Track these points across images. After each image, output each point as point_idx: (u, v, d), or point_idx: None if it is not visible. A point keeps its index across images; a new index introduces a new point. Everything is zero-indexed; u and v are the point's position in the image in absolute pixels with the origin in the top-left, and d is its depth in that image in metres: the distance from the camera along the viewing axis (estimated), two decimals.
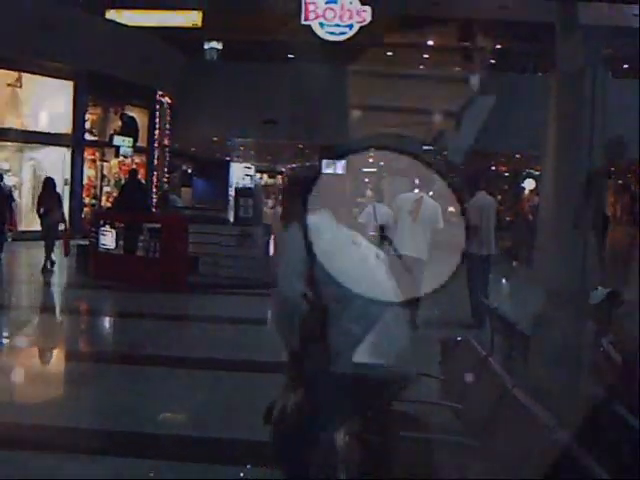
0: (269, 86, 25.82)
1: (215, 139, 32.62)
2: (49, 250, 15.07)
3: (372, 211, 12.75)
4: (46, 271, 14.88)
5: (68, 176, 22.97)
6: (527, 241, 18.83)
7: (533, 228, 17.57)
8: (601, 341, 4.97)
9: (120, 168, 25.70)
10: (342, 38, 24.40)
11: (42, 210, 15.49)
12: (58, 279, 15.00)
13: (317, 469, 3.59)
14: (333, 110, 23.32)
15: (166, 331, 10.37)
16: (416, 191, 10.70)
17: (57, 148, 23.07)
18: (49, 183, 16.00)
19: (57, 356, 9.16)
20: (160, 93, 27.52)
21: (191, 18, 27.30)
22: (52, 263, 15.09)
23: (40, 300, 13.17)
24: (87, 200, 24.33)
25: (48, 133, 22.55)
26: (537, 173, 27.28)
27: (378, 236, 10.81)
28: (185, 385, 7.39)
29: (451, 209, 12.54)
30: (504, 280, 15.63)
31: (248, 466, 5.25)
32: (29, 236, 19.04)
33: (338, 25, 23.93)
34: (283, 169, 43.14)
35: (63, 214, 16.23)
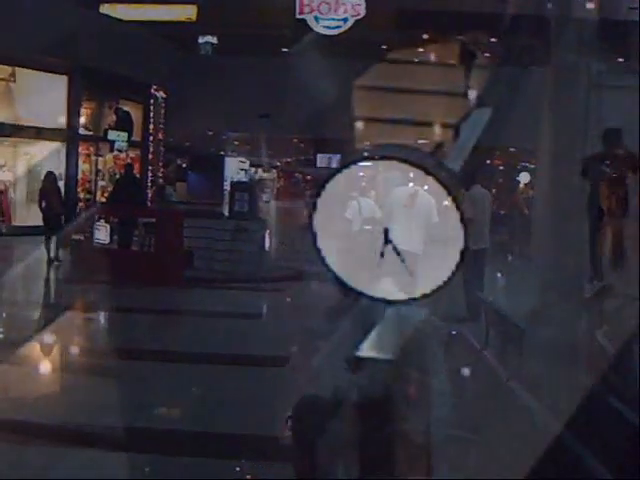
0: (264, 80, 25.78)
1: (210, 133, 32.56)
2: (49, 244, 15.08)
3: (357, 206, 12.79)
4: (51, 263, 14.89)
5: (63, 171, 22.95)
6: (522, 235, 18.84)
7: (528, 222, 17.55)
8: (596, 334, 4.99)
9: (115, 162, 25.66)
10: (337, 32, 24.36)
11: (44, 204, 15.54)
12: (51, 274, 14.98)
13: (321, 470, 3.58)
14: (328, 104, 23.32)
15: (161, 326, 10.37)
16: (411, 185, 10.70)
17: (51, 143, 23.02)
18: (50, 177, 16.07)
19: (52, 352, 9.14)
20: (155, 87, 27.46)
21: (185, 12, 27.26)
22: (50, 260, 15.07)
23: (33, 295, 13.16)
24: (82, 195, 24.29)
25: (42, 128, 22.51)
26: (532, 167, 27.27)
27: (376, 231, 10.82)
28: (183, 379, 7.39)
29: (446, 203, 12.55)
30: (499, 274, 15.64)
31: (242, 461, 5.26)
32: (24, 231, 19.03)
33: (333, 19, 23.90)
34: (278, 163, 43.12)
35: (64, 208, 16.29)
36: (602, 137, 9.48)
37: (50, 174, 16.27)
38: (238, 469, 5.10)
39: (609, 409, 3.66)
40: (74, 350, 8.99)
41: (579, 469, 3.09)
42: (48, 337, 9.78)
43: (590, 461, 3.03)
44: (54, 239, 15.06)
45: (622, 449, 3.40)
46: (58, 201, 15.61)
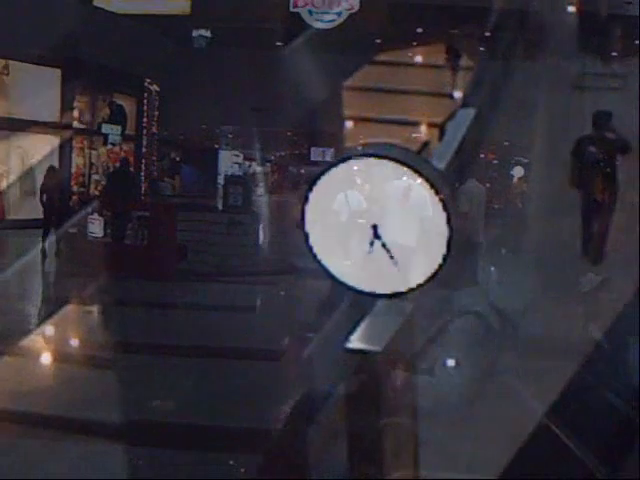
0: (258, 73, 25.76)
1: (204, 127, 32.54)
2: (46, 238, 15.10)
3: (344, 198, 12.83)
4: (46, 257, 14.93)
5: (56, 164, 22.91)
6: (516, 228, 18.87)
7: (522, 216, 17.59)
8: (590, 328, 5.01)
9: (109, 156, 25.63)
10: (331, 26, 24.33)
11: (45, 198, 15.64)
12: (46, 267, 14.97)
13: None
14: (322, 98, 23.33)
15: (154, 319, 10.37)
16: (404, 178, 10.72)
17: (45, 136, 22.97)
18: (52, 172, 16.19)
19: (46, 344, 9.14)
20: (148, 81, 27.41)
21: (179, 5, 27.21)
22: (45, 254, 15.09)
23: (27, 290, 13.15)
24: (75, 188, 24.26)
25: (36, 121, 22.46)
26: (526, 161, 27.33)
27: (365, 224, 10.84)
28: (176, 372, 7.38)
29: (428, 202, 12.58)
30: (493, 267, 15.65)
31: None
32: (17, 224, 19.00)
33: (327, 12, 23.87)
34: (272, 157, 43.12)
35: (65, 202, 16.40)
36: (592, 119, 9.59)
37: (52, 168, 16.44)
38: (232, 462, 5.12)
39: (604, 403, 3.67)
40: (67, 342, 8.98)
41: (572, 461, 3.11)
42: (41, 329, 9.77)
43: (583, 453, 3.04)
44: (52, 233, 15.12)
45: (616, 442, 3.41)
46: (59, 195, 15.70)
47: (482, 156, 35.80)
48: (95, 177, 25.38)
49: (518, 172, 31.32)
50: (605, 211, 9.18)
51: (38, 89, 22.72)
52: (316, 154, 29.33)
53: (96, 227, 14.92)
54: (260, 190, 26.75)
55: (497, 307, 7.93)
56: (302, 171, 37.19)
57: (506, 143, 31.59)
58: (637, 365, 3.83)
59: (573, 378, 4.01)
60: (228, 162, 39.90)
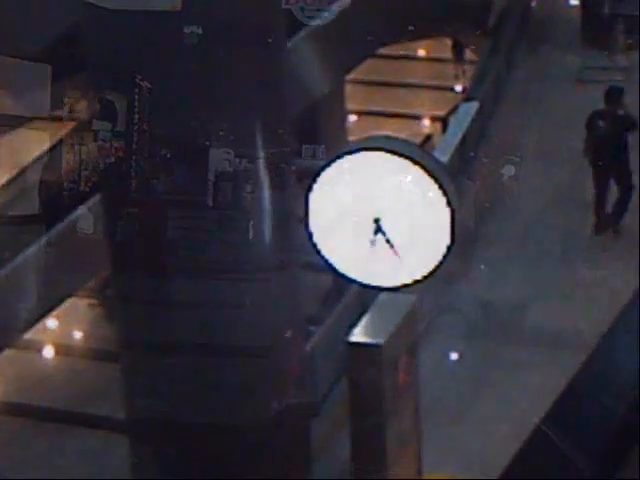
0: (249, 70, 25.70)
1: (194, 123, 32.54)
2: (43, 233, 15.20)
3: (345, 193, 12.85)
4: (39, 254, 15.02)
5: (47, 160, 22.83)
6: (506, 226, 18.95)
7: (512, 213, 17.67)
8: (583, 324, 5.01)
9: (99, 152, 25.55)
10: (322, 22, 24.30)
11: (42, 192, 15.76)
12: (40, 264, 14.99)
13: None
14: (313, 95, 23.36)
15: (144, 315, 10.35)
16: (396, 175, 10.73)
17: (35, 132, 22.88)
18: (51, 166, 16.31)
19: (33, 338, 9.12)
20: (139, 77, 27.35)
21: (170, 0, 27.13)
22: (39, 250, 15.16)
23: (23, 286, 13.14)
24: (65, 184, 24.16)
25: (25, 117, 22.36)
26: (517, 159, 27.38)
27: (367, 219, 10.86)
28: (167, 368, 7.37)
29: (431, 194, 12.61)
30: (482, 266, 15.71)
31: None
32: (6, 222, 18.97)
33: (319, 9, 23.90)
34: (263, 153, 43.17)
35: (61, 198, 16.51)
36: (604, 95, 10.20)
37: (50, 163, 16.53)
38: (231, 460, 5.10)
39: (593, 400, 3.68)
40: (56, 334, 8.97)
41: (559, 456, 3.12)
42: (28, 320, 9.76)
43: (570, 448, 3.05)
44: (48, 228, 15.20)
45: (605, 439, 3.42)
46: (58, 190, 15.81)
47: (472, 153, 35.86)
48: (85, 173, 25.27)
49: (508, 170, 31.40)
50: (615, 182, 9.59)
51: (28, 84, 22.60)
52: (307, 151, 29.31)
53: (85, 223, 14.93)
54: (251, 186, 26.77)
55: (484, 302, 7.97)
56: (293, 168, 37.26)
57: (496, 140, 31.61)
58: (636, 366, 3.84)
59: (566, 376, 4.02)
60: (218, 159, 39.95)
